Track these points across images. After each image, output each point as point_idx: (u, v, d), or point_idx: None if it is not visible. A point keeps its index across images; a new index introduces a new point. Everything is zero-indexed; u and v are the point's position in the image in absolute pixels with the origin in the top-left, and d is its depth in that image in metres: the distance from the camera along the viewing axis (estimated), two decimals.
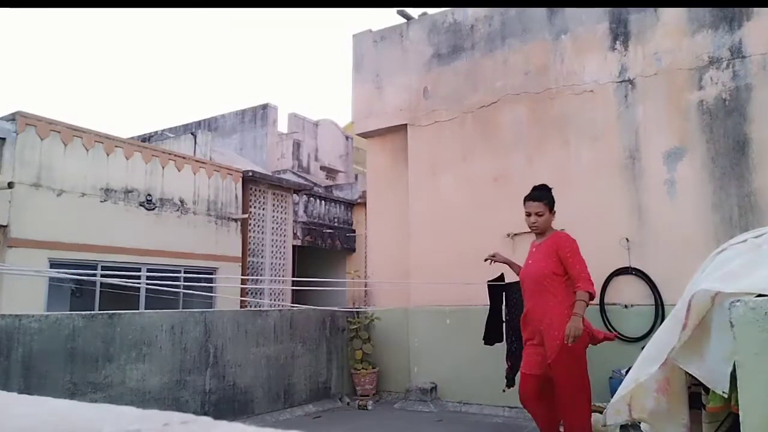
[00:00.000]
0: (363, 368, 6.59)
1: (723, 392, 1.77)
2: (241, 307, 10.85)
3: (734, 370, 1.49)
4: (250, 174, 12.21)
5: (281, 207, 12.81)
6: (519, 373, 3.98)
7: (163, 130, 17.68)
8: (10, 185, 8.24)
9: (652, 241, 5.29)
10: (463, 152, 6.45)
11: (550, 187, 3.98)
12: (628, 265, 5.33)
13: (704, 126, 5.19)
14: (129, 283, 5.61)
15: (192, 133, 14.52)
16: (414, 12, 7.28)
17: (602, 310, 5.39)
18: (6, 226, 8.20)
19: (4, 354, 3.84)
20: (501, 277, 5.15)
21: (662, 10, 5.49)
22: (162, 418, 0.59)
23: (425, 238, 6.54)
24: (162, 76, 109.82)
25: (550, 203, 3.89)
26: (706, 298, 1.82)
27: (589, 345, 3.82)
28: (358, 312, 7.05)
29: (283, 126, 19.37)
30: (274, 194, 12.65)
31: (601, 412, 4.51)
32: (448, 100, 6.66)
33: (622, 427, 4.33)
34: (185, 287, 10.30)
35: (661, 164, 5.33)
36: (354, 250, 15.13)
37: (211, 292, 10.93)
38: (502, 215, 5.87)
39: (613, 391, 4.87)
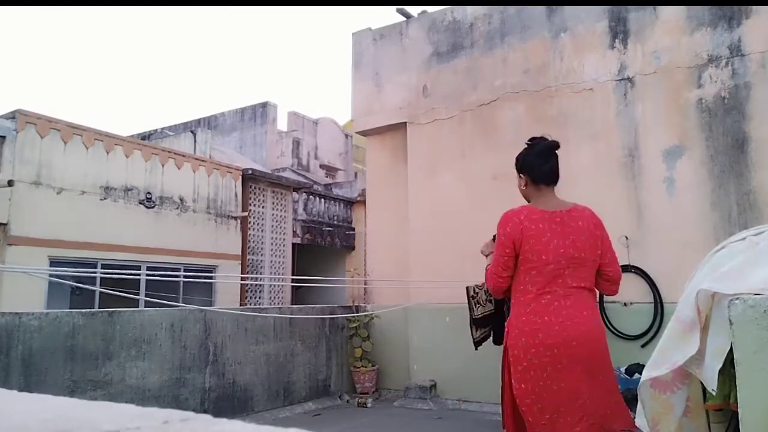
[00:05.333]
0: (362, 366, 6.60)
1: (712, 390, 1.77)
2: (240, 304, 10.88)
3: (733, 368, 1.49)
4: (250, 172, 12.20)
5: (281, 205, 12.80)
6: None
7: (163, 128, 17.68)
8: (10, 183, 8.24)
9: (651, 239, 5.29)
10: (463, 150, 6.45)
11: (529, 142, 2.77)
12: (627, 263, 5.33)
13: (703, 124, 5.20)
14: (130, 277, 5.60)
15: (192, 132, 14.51)
16: (413, 10, 7.29)
17: (601, 308, 5.39)
18: (6, 224, 8.20)
19: (4, 352, 3.84)
20: None
21: (661, 8, 5.48)
22: (162, 415, 0.59)
23: (425, 236, 6.54)
24: (162, 74, 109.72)
25: (518, 168, 2.72)
26: (707, 297, 1.82)
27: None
28: (357, 310, 7.05)
29: (282, 124, 19.37)
30: (273, 192, 12.65)
31: None
32: (447, 98, 6.66)
33: None
34: (185, 285, 10.32)
35: (661, 162, 5.33)
36: (353, 248, 15.12)
37: (211, 290, 10.94)
38: (501, 213, 5.86)
39: None
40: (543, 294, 2.41)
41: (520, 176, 2.69)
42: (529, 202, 2.66)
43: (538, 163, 2.62)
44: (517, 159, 2.72)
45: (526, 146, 2.72)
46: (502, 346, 2.66)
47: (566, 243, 2.43)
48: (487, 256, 3.10)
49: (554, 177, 2.62)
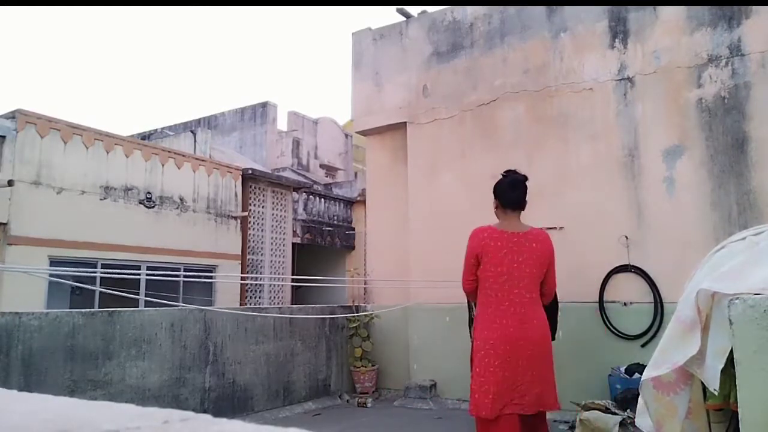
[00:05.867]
0: (362, 366, 6.60)
1: (714, 389, 1.77)
2: (240, 304, 10.88)
3: (733, 368, 1.49)
4: (250, 172, 12.20)
5: (281, 205, 12.80)
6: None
7: (163, 128, 17.68)
8: (10, 183, 8.24)
9: (651, 238, 5.29)
10: (463, 150, 6.45)
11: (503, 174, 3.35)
12: (627, 263, 5.33)
13: (703, 124, 5.19)
14: (130, 277, 5.60)
15: (192, 131, 14.51)
16: (413, 10, 7.29)
17: (601, 308, 5.39)
18: (6, 224, 8.19)
19: (4, 351, 3.84)
20: None
21: (661, 8, 5.48)
22: (162, 415, 0.59)
23: (425, 235, 6.54)
24: (162, 74, 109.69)
25: (494, 193, 3.31)
26: (707, 297, 1.82)
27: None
28: (357, 310, 7.05)
29: (282, 124, 19.36)
30: (273, 192, 12.64)
31: (600, 410, 4.52)
32: (447, 98, 6.66)
33: (621, 425, 4.35)
34: (185, 285, 10.32)
35: (661, 162, 5.33)
36: (353, 247, 15.12)
37: (211, 290, 10.94)
38: None
39: (612, 389, 4.89)
40: (503, 300, 3.04)
41: (495, 200, 3.30)
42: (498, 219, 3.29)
43: (507, 192, 3.23)
44: (494, 186, 3.31)
45: (501, 176, 3.32)
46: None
47: (519, 260, 3.05)
48: None
49: (519, 204, 3.22)
